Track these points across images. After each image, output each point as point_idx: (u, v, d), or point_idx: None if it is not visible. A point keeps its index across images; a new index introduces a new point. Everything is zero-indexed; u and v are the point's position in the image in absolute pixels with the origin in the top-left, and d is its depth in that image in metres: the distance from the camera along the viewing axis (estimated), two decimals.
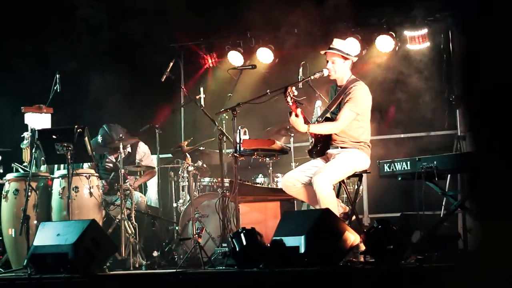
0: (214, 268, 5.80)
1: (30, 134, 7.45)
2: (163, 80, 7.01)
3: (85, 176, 6.99)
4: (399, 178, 6.27)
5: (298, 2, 8.31)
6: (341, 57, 6.17)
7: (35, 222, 6.75)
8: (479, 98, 2.71)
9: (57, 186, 6.96)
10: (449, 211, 6.39)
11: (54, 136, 6.61)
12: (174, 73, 7.13)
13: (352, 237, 5.16)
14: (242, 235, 5.26)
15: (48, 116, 7.79)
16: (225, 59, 9.42)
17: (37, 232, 5.88)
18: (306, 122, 6.02)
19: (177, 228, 7.44)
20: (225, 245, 6.06)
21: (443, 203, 7.53)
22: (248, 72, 7.90)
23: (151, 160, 8.02)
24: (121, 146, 6.97)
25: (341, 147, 6.09)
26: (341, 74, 6.20)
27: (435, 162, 5.91)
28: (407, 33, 8.69)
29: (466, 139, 7.86)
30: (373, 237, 5.09)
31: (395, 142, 8.86)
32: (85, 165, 7.61)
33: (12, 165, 7.39)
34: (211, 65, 9.68)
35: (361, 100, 6.07)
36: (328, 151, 6.17)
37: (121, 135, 7.16)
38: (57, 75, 7.36)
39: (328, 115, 6.21)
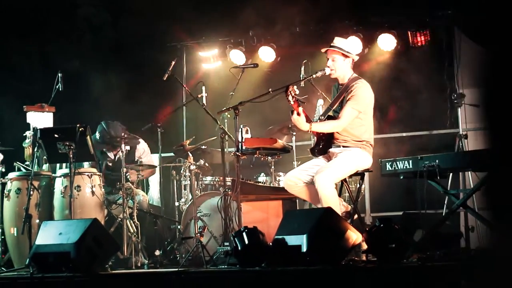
0: (216, 267, 5.79)
1: (32, 133, 7.44)
2: (165, 79, 7.01)
3: (87, 175, 6.99)
4: (401, 177, 6.27)
5: (300, 1, 8.31)
6: (342, 55, 6.17)
7: (37, 221, 6.75)
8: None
9: (59, 185, 6.96)
10: (451, 210, 6.38)
11: (56, 135, 6.61)
12: (176, 72, 7.13)
13: (354, 236, 5.16)
14: (244, 234, 5.25)
15: (50, 115, 7.79)
16: (227, 58, 9.42)
17: (39, 231, 5.87)
18: (308, 120, 6.02)
19: (179, 227, 7.44)
20: (227, 244, 6.07)
21: (445, 202, 7.54)
22: (250, 71, 7.87)
23: (151, 157, 8.03)
24: (123, 147, 6.99)
25: (343, 146, 6.09)
26: (342, 72, 6.21)
27: (437, 161, 5.90)
28: (409, 32, 8.68)
29: (468, 137, 7.85)
30: (375, 236, 5.08)
31: (397, 141, 8.85)
32: (85, 163, 7.60)
33: (14, 164, 7.39)
34: (213, 64, 9.68)
35: (363, 97, 6.07)
36: (330, 150, 6.17)
37: (124, 134, 7.15)
38: (59, 74, 7.37)
39: (330, 113, 6.22)
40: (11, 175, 7.10)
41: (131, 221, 6.93)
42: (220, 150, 6.65)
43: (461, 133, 7.96)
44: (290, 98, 5.85)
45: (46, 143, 6.69)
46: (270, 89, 6.13)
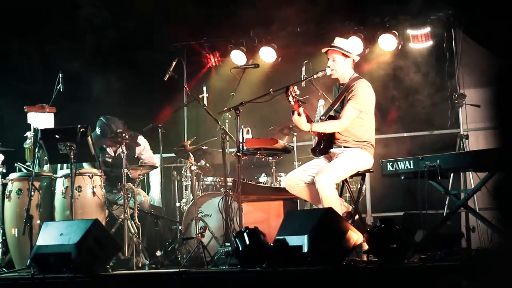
0: (217, 267, 5.79)
1: (33, 133, 7.44)
2: (166, 79, 7.00)
3: (88, 175, 6.99)
4: (402, 177, 6.26)
5: (301, 1, 8.31)
6: (342, 55, 6.18)
7: (38, 221, 6.76)
8: None
9: (60, 186, 6.96)
10: (452, 210, 6.38)
11: (57, 136, 6.62)
12: (177, 72, 7.12)
13: (355, 236, 5.16)
14: (245, 234, 5.26)
15: (51, 115, 7.79)
16: (228, 58, 9.43)
17: (40, 231, 5.87)
18: (309, 120, 6.02)
19: (180, 227, 7.44)
20: (228, 244, 6.06)
21: (446, 202, 7.53)
22: (251, 71, 7.88)
23: (151, 152, 8.03)
24: (124, 147, 6.99)
25: (344, 147, 6.09)
26: (343, 72, 6.21)
27: (438, 161, 5.90)
28: (410, 32, 8.68)
29: (469, 138, 7.85)
30: (376, 236, 5.08)
31: (398, 141, 8.85)
32: (85, 163, 7.59)
33: (15, 164, 7.38)
34: (214, 64, 9.70)
35: (363, 97, 6.07)
36: (331, 150, 6.17)
37: (125, 134, 7.15)
38: (60, 75, 7.37)
39: (331, 113, 6.22)
40: (12, 175, 7.10)
41: (132, 222, 6.93)
42: (221, 150, 6.64)
43: (462, 133, 7.95)
44: (290, 98, 5.86)
45: (47, 144, 6.70)
46: (271, 90, 6.13)
